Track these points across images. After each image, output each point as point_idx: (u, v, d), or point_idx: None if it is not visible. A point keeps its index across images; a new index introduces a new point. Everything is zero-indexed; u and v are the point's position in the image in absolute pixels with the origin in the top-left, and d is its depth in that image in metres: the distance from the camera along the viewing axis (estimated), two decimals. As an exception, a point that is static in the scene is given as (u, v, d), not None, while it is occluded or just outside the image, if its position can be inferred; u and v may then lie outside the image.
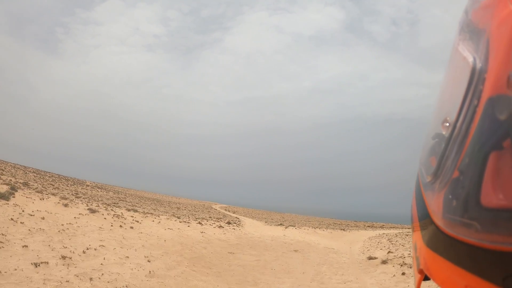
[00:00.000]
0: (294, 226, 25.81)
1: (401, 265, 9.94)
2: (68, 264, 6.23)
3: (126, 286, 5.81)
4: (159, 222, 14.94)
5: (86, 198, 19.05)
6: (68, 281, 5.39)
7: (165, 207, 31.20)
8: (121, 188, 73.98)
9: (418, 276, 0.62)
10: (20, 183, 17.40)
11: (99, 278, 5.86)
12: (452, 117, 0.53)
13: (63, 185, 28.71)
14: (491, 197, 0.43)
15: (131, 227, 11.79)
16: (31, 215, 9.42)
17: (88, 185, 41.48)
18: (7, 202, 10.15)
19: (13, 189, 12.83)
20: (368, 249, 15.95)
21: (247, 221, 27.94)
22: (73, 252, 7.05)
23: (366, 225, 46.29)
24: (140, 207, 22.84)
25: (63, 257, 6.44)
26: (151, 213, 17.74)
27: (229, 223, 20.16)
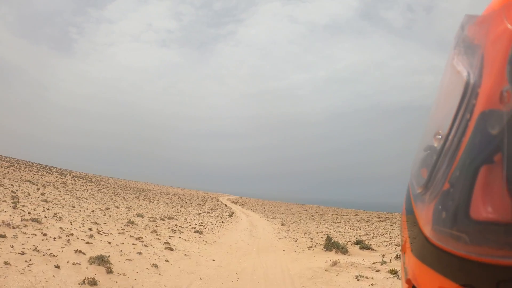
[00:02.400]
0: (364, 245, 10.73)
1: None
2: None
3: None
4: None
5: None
6: None
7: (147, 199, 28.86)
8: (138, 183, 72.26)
9: (406, 286, 0.62)
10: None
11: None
12: (445, 130, 0.54)
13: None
14: (480, 210, 0.44)
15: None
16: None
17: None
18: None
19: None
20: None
21: (245, 221, 21.00)
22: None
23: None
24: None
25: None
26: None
27: (199, 232, 12.30)
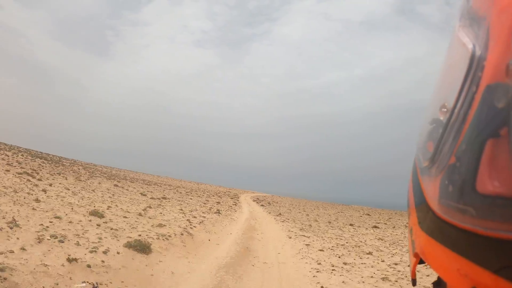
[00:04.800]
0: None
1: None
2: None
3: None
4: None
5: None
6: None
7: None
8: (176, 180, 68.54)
9: (414, 259, 0.63)
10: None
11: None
12: (450, 103, 0.54)
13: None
14: (486, 183, 0.44)
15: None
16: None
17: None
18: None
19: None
20: None
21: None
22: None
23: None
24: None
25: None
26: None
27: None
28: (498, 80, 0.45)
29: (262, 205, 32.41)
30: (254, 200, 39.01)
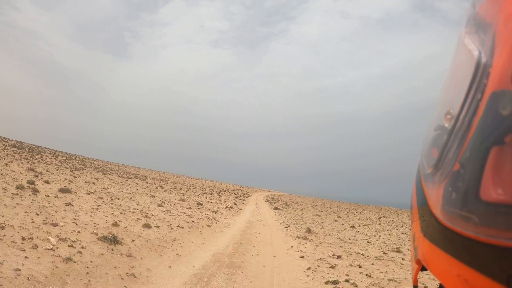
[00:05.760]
0: None
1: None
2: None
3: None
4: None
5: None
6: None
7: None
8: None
9: (416, 266, 0.63)
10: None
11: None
12: (455, 109, 0.53)
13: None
14: (490, 191, 0.44)
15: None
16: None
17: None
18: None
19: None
20: None
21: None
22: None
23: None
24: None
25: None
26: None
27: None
28: (503, 87, 0.45)
29: (276, 208, 22.79)
30: (267, 201, 30.61)
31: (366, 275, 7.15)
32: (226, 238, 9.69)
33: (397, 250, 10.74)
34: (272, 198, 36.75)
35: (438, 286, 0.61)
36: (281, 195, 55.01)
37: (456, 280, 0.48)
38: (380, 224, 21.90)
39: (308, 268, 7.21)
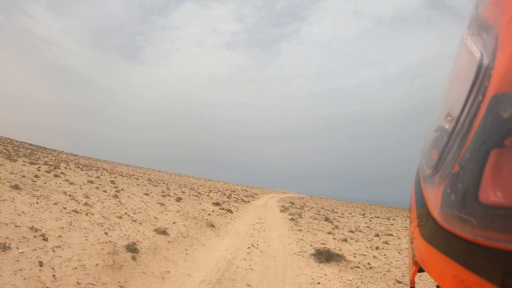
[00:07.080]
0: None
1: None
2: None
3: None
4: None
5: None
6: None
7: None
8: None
9: (413, 267, 0.63)
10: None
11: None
12: (456, 111, 0.53)
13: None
14: (489, 194, 0.44)
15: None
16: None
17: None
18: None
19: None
20: None
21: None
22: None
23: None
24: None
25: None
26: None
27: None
28: (505, 90, 0.45)
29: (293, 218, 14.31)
30: (281, 208, 20.77)
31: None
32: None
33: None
34: (291, 203, 26.76)
35: None
36: (301, 197, 48.09)
37: (452, 281, 0.48)
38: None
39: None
